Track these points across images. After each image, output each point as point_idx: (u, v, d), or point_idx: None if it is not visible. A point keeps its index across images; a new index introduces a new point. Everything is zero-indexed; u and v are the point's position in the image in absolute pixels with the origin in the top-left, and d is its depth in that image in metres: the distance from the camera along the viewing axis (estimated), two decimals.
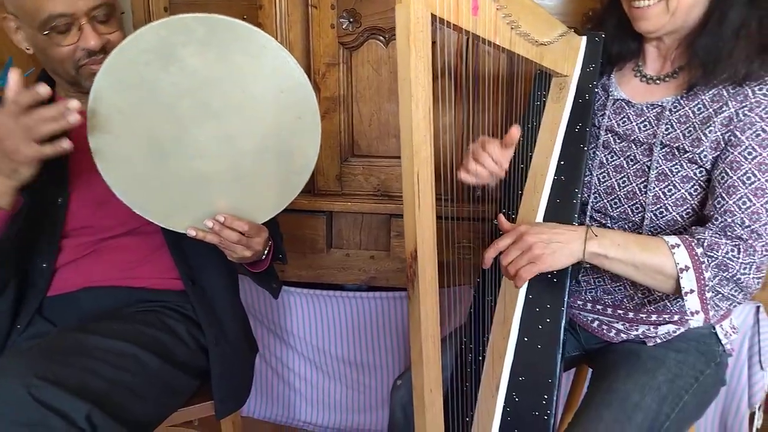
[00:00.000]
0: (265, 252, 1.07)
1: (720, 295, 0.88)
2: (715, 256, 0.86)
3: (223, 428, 1.21)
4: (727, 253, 0.86)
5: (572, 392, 1.34)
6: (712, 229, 0.90)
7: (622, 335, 1.05)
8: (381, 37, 1.45)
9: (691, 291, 0.86)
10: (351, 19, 1.42)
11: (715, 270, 0.86)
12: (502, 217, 0.94)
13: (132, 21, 1.66)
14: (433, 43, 1.41)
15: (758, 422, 1.62)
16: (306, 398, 1.82)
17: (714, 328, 1.03)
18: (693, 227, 0.93)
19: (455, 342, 1.11)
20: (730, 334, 1.05)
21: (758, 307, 1.51)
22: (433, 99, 1.50)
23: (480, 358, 1.04)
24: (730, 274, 0.86)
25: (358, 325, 1.74)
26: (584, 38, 1.08)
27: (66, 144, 0.82)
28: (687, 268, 0.86)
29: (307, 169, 0.98)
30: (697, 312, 0.88)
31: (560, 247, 0.87)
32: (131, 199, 0.93)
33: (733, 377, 1.58)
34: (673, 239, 0.88)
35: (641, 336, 1.03)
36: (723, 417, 1.63)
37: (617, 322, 1.06)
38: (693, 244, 0.87)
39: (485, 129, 1.44)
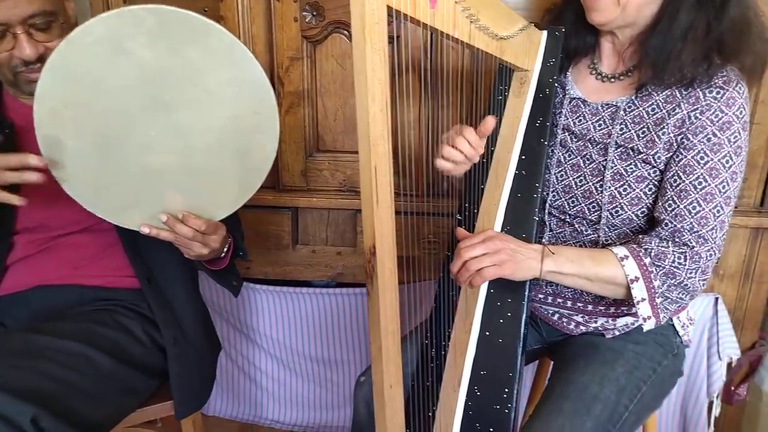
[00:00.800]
0: (225, 249, 1.05)
1: (669, 299, 0.91)
2: (663, 265, 0.90)
3: (184, 428, 1.19)
4: (673, 261, 0.90)
5: (535, 385, 1.36)
6: (660, 236, 0.92)
7: (582, 327, 1.06)
8: (345, 31, 1.44)
9: (643, 299, 0.90)
10: (314, 13, 1.41)
11: (663, 278, 0.90)
12: (460, 229, 0.96)
13: (90, 15, 1.61)
14: (397, 37, 1.43)
15: (716, 410, 1.66)
16: (273, 396, 1.81)
17: (671, 320, 1.05)
18: (640, 236, 0.95)
19: (418, 338, 1.11)
20: (687, 326, 1.07)
21: (717, 299, 1.55)
22: (398, 95, 1.49)
23: (443, 353, 1.04)
24: (677, 281, 0.90)
25: (326, 322, 1.72)
26: (545, 33, 1.08)
27: (17, 201, 0.83)
28: (637, 279, 0.90)
29: (265, 165, 0.96)
30: (649, 317, 0.92)
31: (523, 259, 0.90)
32: (81, 195, 0.90)
33: (693, 367, 1.62)
34: (621, 251, 0.91)
35: (600, 328, 1.05)
36: (683, 406, 1.66)
37: (577, 315, 1.07)
38: (641, 254, 0.90)
39: (449, 125, 1.44)
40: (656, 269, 0.90)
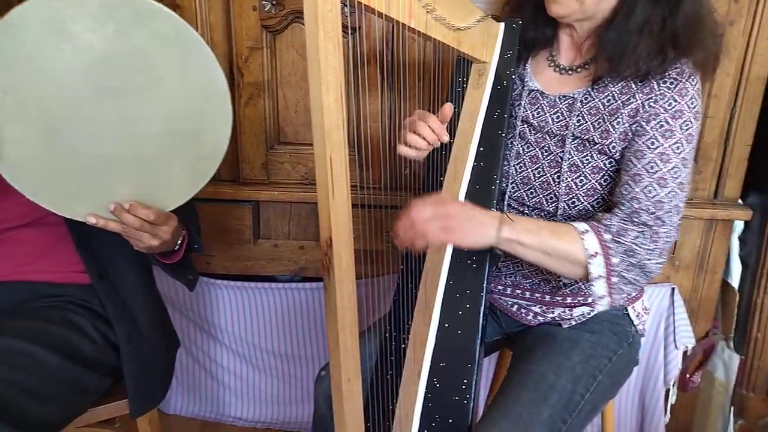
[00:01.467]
0: (179, 242, 1.03)
1: (625, 279, 0.91)
2: (623, 242, 0.89)
3: (140, 427, 1.16)
4: (634, 238, 0.89)
5: (495, 376, 1.37)
6: (619, 215, 0.92)
7: (539, 318, 1.07)
8: None
9: (599, 276, 0.89)
10: (274, 2, 1.38)
11: (623, 256, 0.89)
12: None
13: None
14: (357, 29, 1.42)
15: (672, 398, 1.70)
16: (235, 393, 1.78)
17: (626, 310, 1.06)
18: (601, 213, 0.95)
19: (379, 331, 1.10)
20: (642, 315, 1.09)
21: (673, 289, 1.59)
22: (360, 87, 1.48)
23: (403, 345, 1.03)
24: (636, 260, 0.90)
25: (288, 317, 1.71)
26: (502, 24, 1.08)
27: None
28: (596, 255, 0.89)
29: (218, 153, 0.93)
30: (603, 297, 0.91)
31: (476, 225, 0.88)
32: (23, 184, 0.87)
33: (650, 357, 1.65)
34: (582, 225, 0.90)
35: (557, 318, 1.06)
36: (641, 394, 1.70)
37: (535, 306, 1.08)
38: (601, 230, 0.90)
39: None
40: (616, 245, 0.89)
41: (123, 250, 1.06)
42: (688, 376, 1.67)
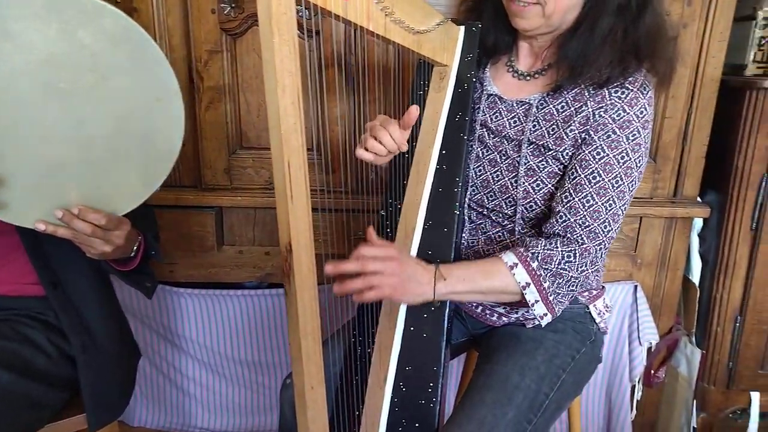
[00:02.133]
0: (134, 248, 1.00)
1: (560, 294, 0.95)
2: (550, 268, 0.93)
3: None
4: (560, 262, 0.93)
5: (463, 377, 1.37)
6: (548, 235, 0.96)
7: (504, 318, 1.08)
8: None
9: (537, 301, 0.93)
10: (233, 5, 1.36)
11: (552, 279, 0.93)
12: (371, 232, 0.93)
13: None
14: (318, 33, 1.41)
15: (638, 394, 1.73)
16: (201, 403, 1.74)
17: (588, 308, 1.08)
18: (528, 238, 0.98)
19: (345, 337, 1.09)
20: (604, 313, 1.10)
21: (636, 287, 1.61)
22: (324, 90, 1.47)
23: (369, 351, 1.03)
24: (565, 279, 0.94)
25: (255, 324, 1.68)
26: (462, 28, 1.09)
27: None
28: (528, 284, 0.92)
29: (171, 155, 0.91)
30: (545, 314, 0.95)
31: (415, 287, 0.89)
32: None
33: (615, 354, 1.68)
34: (510, 258, 0.93)
35: (521, 318, 1.06)
36: (608, 391, 1.72)
37: (499, 307, 1.08)
38: (528, 259, 0.93)
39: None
40: (544, 272, 0.93)
41: (77, 258, 1.02)
42: (652, 371, 1.69)
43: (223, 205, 1.53)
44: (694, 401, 1.66)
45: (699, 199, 1.56)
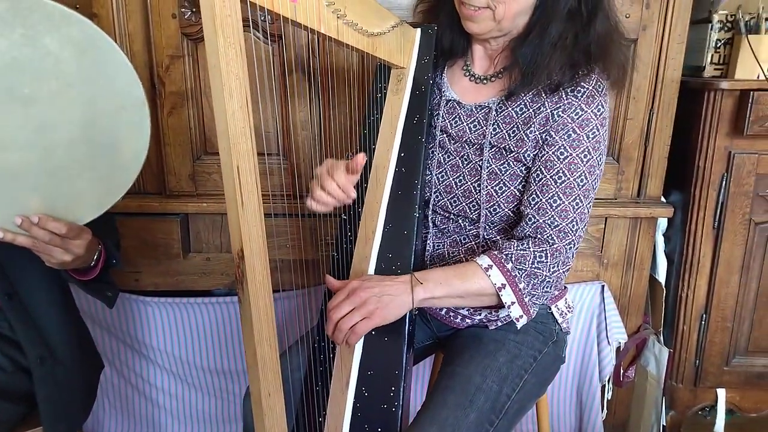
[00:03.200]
0: (95, 257, 0.98)
1: (535, 296, 0.95)
2: (524, 268, 0.93)
3: None
4: (533, 262, 0.93)
5: (431, 380, 1.36)
6: (519, 236, 0.96)
7: (467, 320, 1.08)
8: None
9: (513, 302, 0.93)
10: (194, 9, 1.35)
11: (527, 279, 0.93)
12: (329, 278, 0.95)
13: None
14: (280, 37, 1.40)
15: (608, 394, 1.74)
16: (170, 413, 1.72)
17: (550, 309, 1.08)
18: (501, 241, 0.99)
19: (308, 343, 1.08)
20: (566, 313, 1.11)
21: (603, 287, 1.63)
22: (287, 95, 1.46)
23: (331, 356, 1.02)
24: (540, 279, 0.94)
25: (224, 332, 1.66)
26: (419, 30, 1.09)
27: None
28: (504, 286, 0.92)
29: (135, 164, 0.90)
30: (521, 316, 0.95)
31: (391, 299, 0.89)
32: None
33: (584, 354, 1.69)
34: (485, 260, 0.93)
35: (484, 320, 1.07)
36: (578, 392, 1.74)
37: (462, 309, 1.08)
38: (503, 260, 0.93)
39: (340, 124, 1.43)
40: (519, 272, 0.93)
41: (34, 268, 1.00)
42: (622, 371, 1.71)
43: (188, 211, 1.52)
44: (663, 399, 1.68)
45: (663, 199, 1.58)
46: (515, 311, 0.94)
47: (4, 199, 0.86)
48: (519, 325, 0.96)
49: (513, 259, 0.93)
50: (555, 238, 0.94)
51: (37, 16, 0.79)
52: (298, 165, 1.50)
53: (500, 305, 0.94)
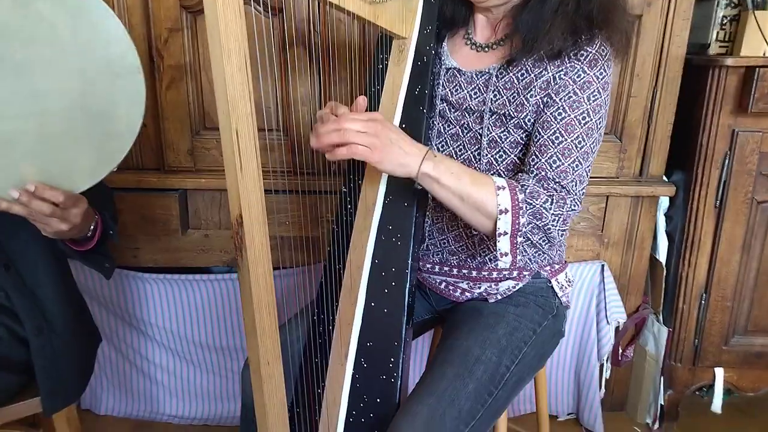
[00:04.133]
0: (91, 228, 0.98)
1: (529, 241, 0.93)
2: (533, 203, 0.91)
3: (57, 426, 1.10)
4: (544, 202, 0.91)
5: (431, 354, 1.36)
6: (532, 179, 0.94)
7: (467, 294, 1.08)
8: None
9: (505, 233, 0.89)
10: None
11: (530, 217, 0.90)
12: (361, 98, 0.91)
13: None
14: (280, 10, 1.38)
15: (607, 373, 1.75)
16: (169, 390, 1.72)
17: (550, 282, 1.08)
18: (519, 174, 0.97)
19: (308, 315, 1.08)
20: (566, 287, 1.10)
21: (603, 266, 1.63)
22: (287, 69, 1.44)
23: (330, 328, 1.02)
24: (542, 223, 0.91)
25: (222, 309, 1.66)
26: (421, 0, 1.07)
27: None
28: (506, 211, 0.89)
29: (130, 132, 0.89)
30: (506, 254, 0.91)
31: (400, 153, 0.85)
32: None
33: (583, 333, 1.69)
34: (501, 181, 0.90)
35: (484, 293, 1.06)
36: (576, 370, 1.74)
37: (462, 282, 1.08)
38: (517, 189, 0.90)
39: (341, 99, 1.41)
40: (527, 206, 0.90)
41: (31, 239, 1.00)
42: (620, 350, 1.71)
43: (187, 187, 1.51)
44: (662, 379, 1.68)
45: (665, 178, 1.58)
46: (503, 244, 0.90)
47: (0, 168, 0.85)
48: (501, 264, 0.92)
49: (527, 191, 0.91)
50: (559, 190, 0.93)
51: None
52: (299, 141, 1.49)
53: (491, 233, 0.91)
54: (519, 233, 0.90)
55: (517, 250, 0.91)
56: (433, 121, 1.06)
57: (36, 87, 0.83)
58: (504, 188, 0.90)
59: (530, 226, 0.91)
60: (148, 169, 1.50)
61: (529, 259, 1.05)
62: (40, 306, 1.03)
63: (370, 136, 0.82)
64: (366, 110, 0.93)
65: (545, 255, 1.07)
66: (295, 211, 1.53)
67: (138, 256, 1.56)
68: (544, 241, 0.93)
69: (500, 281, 1.04)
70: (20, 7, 0.79)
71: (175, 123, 1.45)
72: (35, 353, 1.00)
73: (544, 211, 0.91)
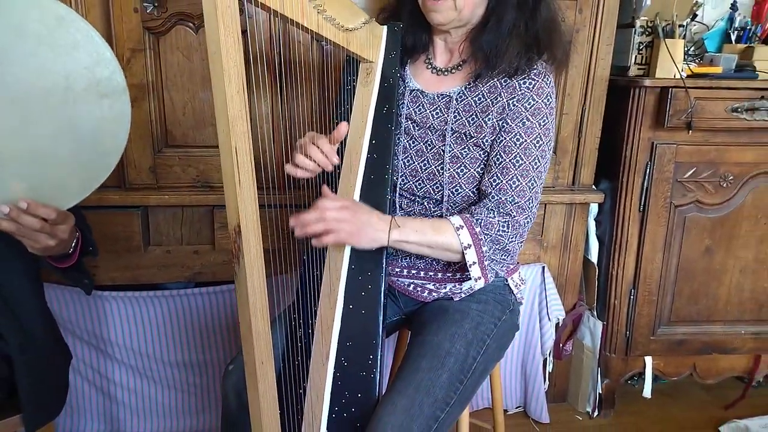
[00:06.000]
0: (73, 244, 1.00)
1: (494, 261, 1.08)
2: (490, 233, 1.05)
3: None
4: (498, 230, 1.06)
5: (396, 355, 1.45)
6: (487, 206, 1.07)
7: (434, 294, 1.17)
8: (190, 23, 1.42)
9: (474, 263, 1.05)
10: (156, 4, 1.37)
11: (490, 244, 1.06)
12: (326, 188, 1.03)
13: None
14: (244, 31, 1.44)
15: (550, 366, 1.89)
16: (131, 409, 1.70)
17: (507, 281, 1.19)
18: (473, 206, 1.09)
19: (285, 320, 1.14)
20: (520, 285, 1.22)
21: (543, 268, 1.77)
22: (249, 86, 1.50)
23: (310, 331, 1.08)
24: (501, 246, 1.07)
25: (184, 324, 1.67)
26: (385, 27, 1.17)
27: None
28: (469, 246, 1.04)
29: (116, 150, 0.93)
30: (479, 278, 1.07)
31: (372, 231, 1.00)
32: None
33: (528, 330, 1.82)
34: (457, 221, 1.05)
35: (449, 293, 1.16)
36: (523, 365, 1.87)
37: (429, 283, 1.17)
38: (473, 223, 1.05)
39: (302, 116, 1.48)
40: (485, 237, 1.05)
41: (13, 255, 1.00)
42: (561, 345, 1.86)
43: (149, 204, 1.52)
44: (599, 369, 1.84)
45: (594, 186, 1.75)
46: (475, 271, 1.06)
47: None
48: (476, 286, 1.08)
49: (482, 224, 1.05)
50: (515, 212, 1.06)
51: (19, 2, 0.82)
52: (262, 157, 1.54)
53: (462, 263, 1.06)
54: (485, 258, 1.05)
55: (487, 271, 1.07)
56: (399, 137, 1.16)
57: (25, 107, 0.85)
58: (462, 227, 1.05)
59: (492, 251, 1.06)
60: (109, 187, 1.50)
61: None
62: (22, 324, 1.03)
63: (348, 222, 0.98)
64: (347, 133, 1.08)
65: None
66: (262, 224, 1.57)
67: (97, 275, 1.56)
68: (505, 257, 1.08)
69: (463, 281, 1.15)
70: (9, 30, 0.82)
71: (137, 141, 1.47)
72: (19, 371, 1.00)
73: (500, 236, 1.06)
